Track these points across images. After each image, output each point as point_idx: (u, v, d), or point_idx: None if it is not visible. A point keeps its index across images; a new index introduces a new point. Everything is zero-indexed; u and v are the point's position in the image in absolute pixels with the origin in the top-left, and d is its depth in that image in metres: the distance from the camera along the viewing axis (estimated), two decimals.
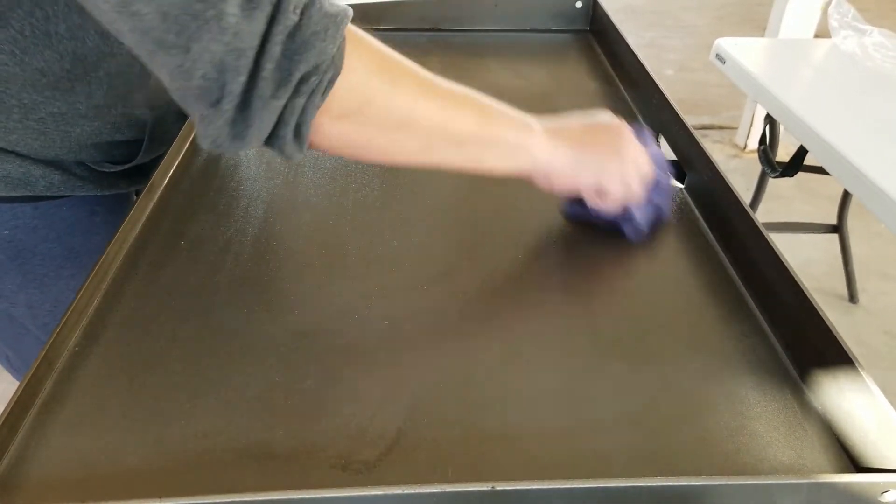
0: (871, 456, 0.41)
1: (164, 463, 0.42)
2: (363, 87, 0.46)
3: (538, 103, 0.88)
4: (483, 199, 0.68)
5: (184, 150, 0.73)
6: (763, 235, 0.54)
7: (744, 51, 1.47)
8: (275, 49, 0.40)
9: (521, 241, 0.62)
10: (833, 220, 1.82)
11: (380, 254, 0.60)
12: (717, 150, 2.60)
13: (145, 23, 0.37)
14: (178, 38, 0.38)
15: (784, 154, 1.66)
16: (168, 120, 0.72)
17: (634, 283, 0.58)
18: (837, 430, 0.44)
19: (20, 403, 0.44)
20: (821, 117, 1.19)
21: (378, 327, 0.52)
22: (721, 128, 2.76)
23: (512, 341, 0.51)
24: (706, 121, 2.80)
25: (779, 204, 2.21)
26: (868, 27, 1.46)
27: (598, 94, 0.90)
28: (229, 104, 0.41)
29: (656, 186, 0.61)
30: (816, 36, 2.24)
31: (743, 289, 0.56)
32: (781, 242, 0.54)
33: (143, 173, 0.73)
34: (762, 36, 2.47)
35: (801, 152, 1.50)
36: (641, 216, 0.60)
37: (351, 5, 1.11)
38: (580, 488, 0.37)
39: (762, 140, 1.65)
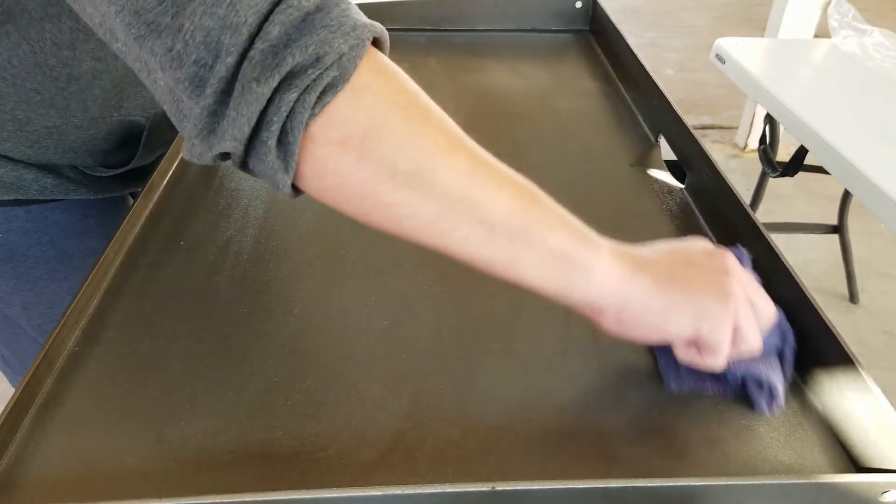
0: (871, 456, 0.41)
1: (164, 463, 0.42)
2: (373, 113, 0.37)
3: (538, 103, 0.88)
4: None
5: None
6: (763, 235, 0.54)
7: (744, 51, 1.47)
8: (273, 29, 0.34)
9: None
10: (833, 220, 1.82)
11: (380, 254, 0.60)
12: (717, 150, 2.60)
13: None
14: (169, 14, 0.34)
15: (784, 154, 1.66)
16: (163, 125, 0.72)
17: None
18: (837, 430, 0.44)
19: (20, 403, 0.44)
20: (821, 117, 1.19)
21: (378, 327, 0.52)
22: (721, 128, 2.76)
23: (512, 341, 0.51)
24: (706, 121, 2.80)
25: (779, 204, 2.21)
26: (868, 27, 1.46)
27: (597, 94, 0.90)
28: (211, 88, 0.35)
29: (777, 333, 0.47)
30: (816, 36, 2.24)
31: None
32: (781, 242, 0.54)
33: (137, 176, 0.73)
34: (762, 36, 2.47)
35: (802, 152, 1.50)
36: (769, 374, 0.45)
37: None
38: (580, 489, 0.37)
39: (762, 140, 1.65)
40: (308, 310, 0.54)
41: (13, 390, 0.44)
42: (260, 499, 0.36)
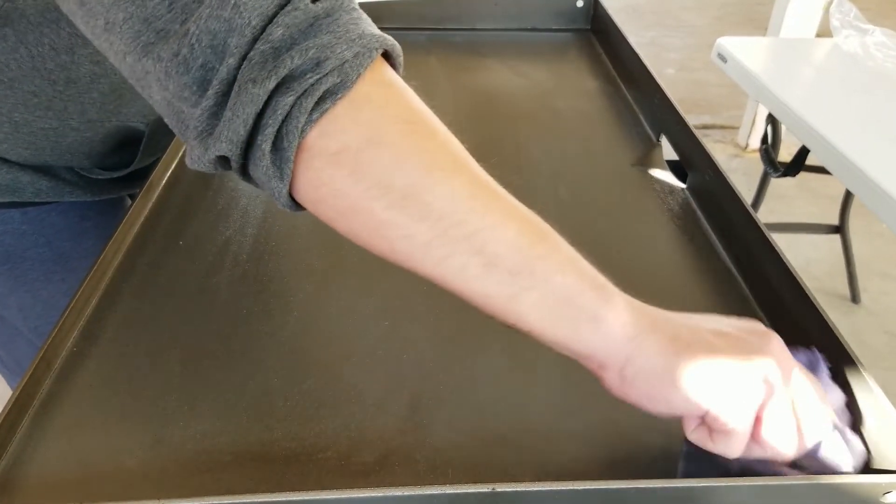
0: (873, 456, 0.41)
1: (162, 463, 0.41)
2: (372, 125, 0.35)
3: (539, 103, 0.88)
4: None
5: (182, 150, 0.73)
6: (765, 235, 0.54)
7: (745, 50, 1.47)
8: (275, 31, 0.33)
9: None
10: (835, 220, 1.82)
11: None
12: (718, 150, 2.60)
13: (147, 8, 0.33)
14: (178, 20, 0.33)
15: (786, 154, 1.66)
16: (163, 130, 0.72)
17: (636, 284, 0.57)
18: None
19: (18, 404, 0.44)
20: (822, 117, 1.19)
21: (378, 327, 0.52)
22: (722, 127, 2.76)
23: (512, 341, 0.51)
24: (707, 120, 2.80)
25: (780, 204, 2.21)
26: (870, 26, 1.45)
27: (599, 93, 0.90)
28: (212, 90, 0.34)
29: (831, 445, 0.38)
30: (818, 35, 2.23)
31: (745, 289, 0.56)
32: (783, 242, 0.54)
33: (135, 178, 0.73)
34: (763, 35, 2.47)
35: (803, 152, 1.50)
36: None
37: None
38: (581, 490, 0.36)
39: (764, 140, 1.65)
40: (308, 310, 0.54)
41: (10, 391, 0.44)
42: (259, 500, 0.36)
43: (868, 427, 0.42)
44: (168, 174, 0.69)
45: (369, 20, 0.37)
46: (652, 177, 0.72)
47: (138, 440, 0.43)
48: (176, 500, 0.37)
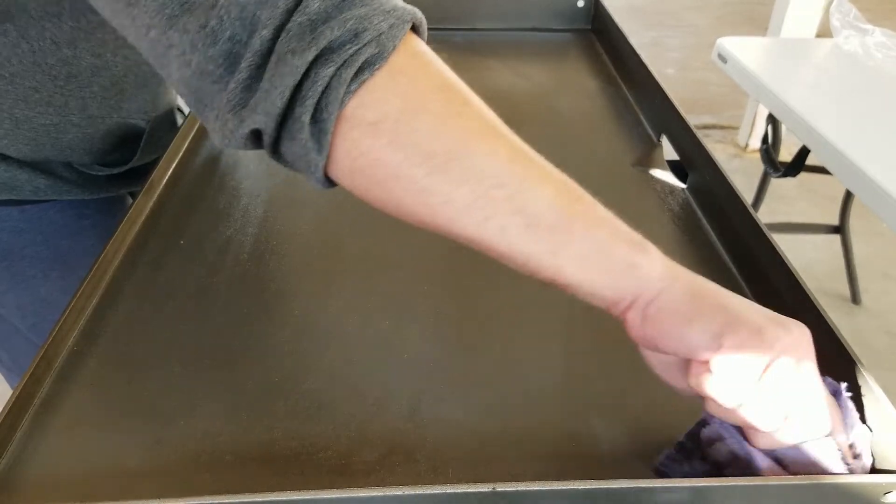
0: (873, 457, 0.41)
1: (163, 463, 0.41)
2: (410, 95, 0.36)
3: (539, 103, 0.88)
4: None
5: (183, 150, 0.73)
6: (765, 236, 0.54)
7: (745, 50, 1.47)
8: (312, 4, 0.33)
9: None
10: (835, 221, 1.81)
11: (380, 254, 0.60)
12: (718, 150, 2.59)
13: None
14: None
15: (786, 154, 1.66)
16: (163, 127, 0.72)
17: None
18: None
19: (19, 403, 0.44)
20: (823, 117, 1.19)
21: (378, 327, 0.52)
22: (723, 127, 2.76)
23: (512, 341, 0.51)
24: (708, 120, 2.80)
25: (781, 204, 2.20)
26: (870, 27, 1.45)
27: (599, 93, 0.90)
28: (245, 62, 0.34)
29: (821, 452, 0.38)
30: (818, 36, 2.23)
31: (745, 289, 0.56)
32: (783, 243, 0.54)
33: (134, 176, 0.73)
34: (764, 35, 2.46)
35: (804, 152, 1.50)
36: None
37: None
38: (581, 489, 0.36)
39: (764, 140, 1.65)
40: (308, 310, 0.54)
41: (9, 390, 0.44)
42: (259, 499, 0.36)
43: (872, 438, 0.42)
44: (169, 173, 0.69)
45: None
46: (652, 177, 0.72)
47: (139, 439, 0.43)
48: (176, 500, 0.37)
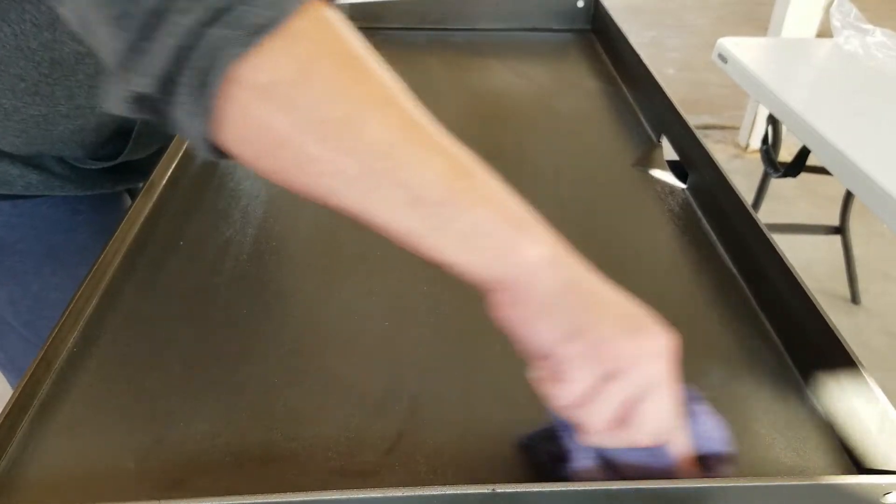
0: (874, 457, 0.41)
1: (162, 464, 0.41)
2: (306, 60, 0.34)
3: (539, 103, 0.88)
4: None
5: (182, 150, 0.73)
6: (765, 236, 0.54)
7: (746, 50, 1.47)
8: None
9: None
10: (835, 221, 1.81)
11: (380, 254, 0.60)
12: (718, 150, 2.59)
13: None
14: None
15: (786, 154, 1.65)
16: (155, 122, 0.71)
17: (636, 284, 0.57)
18: (839, 431, 0.44)
19: (18, 404, 0.44)
20: (823, 117, 1.19)
21: (378, 327, 0.52)
22: (723, 127, 2.76)
23: (512, 341, 0.51)
24: (708, 120, 2.80)
25: (781, 204, 2.20)
26: (870, 27, 1.45)
27: (599, 93, 0.89)
28: (135, 21, 0.32)
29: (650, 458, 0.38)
30: (818, 35, 2.23)
31: (745, 289, 0.56)
32: (783, 243, 0.54)
33: (126, 172, 0.72)
34: (764, 35, 2.46)
35: (804, 152, 1.50)
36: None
37: (352, 5, 1.10)
38: (581, 491, 0.36)
39: (764, 140, 1.65)
40: (308, 310, 0.54)
41: (9, 389, 0.44)
42: (259, 500, 0.36)
43: (869, 429, 0.42)
44: (168, 174, 0.69)
45: None
46: (652, 177, 0.72)
47: (138, 440, 0.43)
48: (176, 501, 0.37)
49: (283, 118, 0.34)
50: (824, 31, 1.75)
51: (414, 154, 0.35)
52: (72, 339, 0.50)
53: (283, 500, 0.36)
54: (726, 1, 4.15)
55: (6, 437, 0.42)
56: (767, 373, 0.48)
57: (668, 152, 0.75)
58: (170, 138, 0.73)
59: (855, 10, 1.46)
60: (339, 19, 0.36)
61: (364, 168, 0.35)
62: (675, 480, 0.37)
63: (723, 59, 1.49)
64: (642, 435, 0.37)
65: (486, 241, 0.36)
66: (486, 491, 0.36)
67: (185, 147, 0.74)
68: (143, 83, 0.33)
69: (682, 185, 0.70)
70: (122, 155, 0.70)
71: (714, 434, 0.40)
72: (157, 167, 0.68)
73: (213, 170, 0.71)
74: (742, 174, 2.42)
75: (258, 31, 0.32)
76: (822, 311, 0.47)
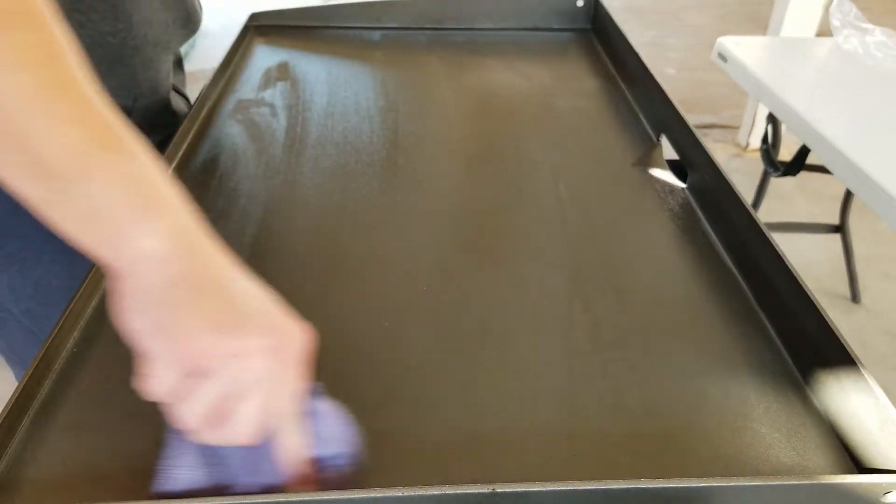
0: (874, 457, 0.41)
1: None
2: None
3: (539, 102, 0.88)
4: (484, 198, 0.68)
5: (182, 150, 0.73)
6: (765, 235, 0.54)
7: (745, 50, 1.47)
8: None
9: (521, 241, 0.62)
10: (835, 220, 1.81)
11: (380, 254, 0.60)
12: (718, 150, 2.59)
13: None
14: None
15: (786, 153, 1.65)
16: (153, 109, 0.71)
17: (635, 283, 0.57)
18: (839, 430, 0.44)
19: (18, 405, 0.44)
20: (822, 116, 1.19)
21: (378, 327, 0.52)
22: (723, 127, 2.75)
23: (512, 341, 0.51)
24: (708, 120, 2.80)
25: (781, 203, 2.20)
26: (870, 26, 1.45)
27: (599, 93, 0.89)
28: None
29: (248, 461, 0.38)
30: (818, 35, 2.23)
31: (745, 289, 0.56)
32: (783, 242, 0.54)
33: None
34: (764, 35, 2.46)
35: (804, 151, 1.50)
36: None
37: (352, 4, 1.10)
38: (581, 490, 0.36)
39: (764, 139, 1.65)
40: (308, 310, 0.54)
41: (10, 390, 0.43)
42: (259, 500, 0.36)
43: (869, 428, 0.42)
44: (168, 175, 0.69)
45: None
46: (652, 176, 0.72)
47: (138, 440, 0.43)
48: (176, 500, 0.37)
49: None
50: (824, 31, 1.75)
51: (44, 119, 0.33)
52: (72, 340, 0.50)
53: (283, 499, 0.36)
54: (726, 1, 4.15)
55: (6, 437, 0.42)
56: (767, 372, 0.48)
57: (668, 152, 0.75)
58: (170, 130, 0.73)
59: (855, 10, 1.46)
60: None
61: None
62: (675, 480, 0.37)
63: (723, 58, 1.49)
64: (239, 434, 0.37)
65: (103, 225, 0.35)
66: (485, 490, 0.36)
67: (184, 147, 0.74)
68: None
69: (682, 185, 0.70)
70: None
71: (335, 434, 0.40)
72: None
73: (212, 170, 0.71)
74: (742, 173, 2.42)
75: None
76: (821, 310, 0.47)
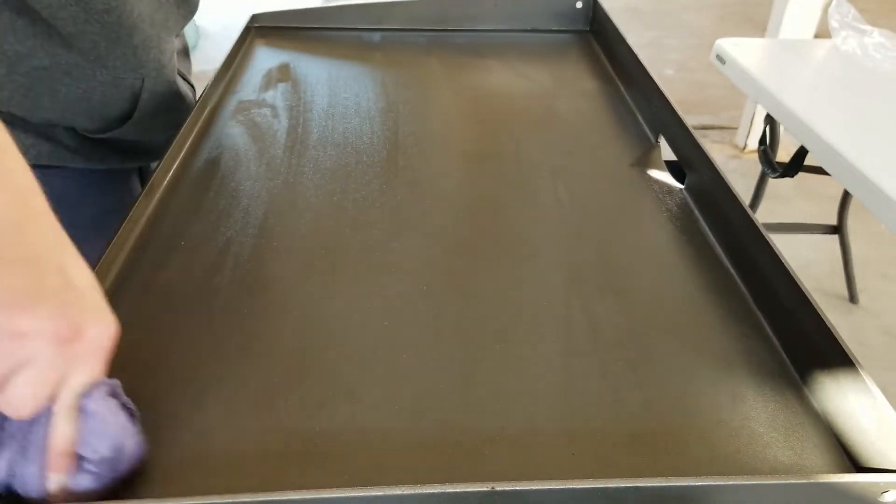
0: (871, 456, 0.41)
1: (163, 463, 0.42)
2: None
3: (538, 103, 0.88)
4: (483, 198, 0.68)
5: (184, 150, 0.73)
6: (763, 236, 0.54)
7: (744, 51, 1.48)
8: None
9: (520, 241, 0.62)
10: (833, 221, 1.82)
11: (380, 254, 0.60)
12: (716, 151, 2.60)
13: None
14: None
15: (784, 154, 1.66)
16: (160, 91, 0.72)
17: (634, 284, 0.58)
18: (837, 430, 0.44)
19: None
20: (821, 118, 1.19)
21: (378, 327, 0.52)
22: (721, 128, 2.76)
23: (512, 341, 0.51)
24: (706, 121, 2.80)
25: (779, 204, 2.21)
26: (868, 27, 1.46)
27: (598, 94, 0.90)
28: None
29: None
30: (816, 36, 2.24)
31: (743, 289, 0.56)
32: (781, 243, 0.54)
33: (136, 150, 0.73)
34: (763, 36, 2.47)
35: (802, 152, 1.50)
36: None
37: (352, 5, 1.10)
38: (580, 489, 0.37)
39: (762, 140, 1.65)
40: (308, 310, 0.54)
41: None
42: (259, 499, 0.36)
43: (866, 427, 0.42)
44: (170, 175, 0.69)
45: None
46: (650, 177, 0.72)
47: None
48: (176, 500, 0.37)
49: None
50: (822, 32, 1.76)
51: None
52: None
53: (283, 498, 0.36)
54: (725, 2, 4.16)
55: None
56: (765, 372, 0.49)
57: (667, 152, 0.75)
58: (178, 121, 0.74)
59: (853, 11, 1.47)
60: None
61: None
62: (674, 479, 0.37)
63: (721, 60, 1.50)
64: (9, 406, 0.36)
65: None
66: (485, 489, 0.36)
67: (186, 147, 0.74)
68: None
69: (680, 186, 0.70)
70: (120, 129, 0.70)
71: (107, 438, 0.39)
72: (159, 168, 0.68)
73: (214, 171, 0.71)
74: (740, 174, 2.42)
75: None
76: (819, 311, 0.47)
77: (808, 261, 1.99)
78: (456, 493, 0.36)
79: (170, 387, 0.47)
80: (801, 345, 0.49)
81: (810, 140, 1.18)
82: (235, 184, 0.69)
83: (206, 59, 1.01)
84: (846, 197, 1.76)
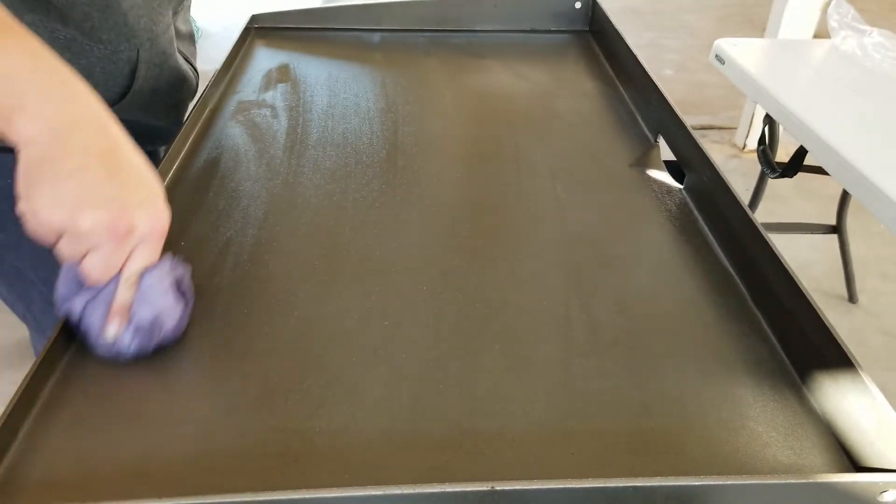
0: (870, 456, 0.41)
1: (163, 463, 0.42)
2: None
3: (538, 104, 0.88)
4: (483, 198, 0.68)
5: (184, 151, 0.74)
6: (762, 236, 0.54)
7: (743, 51, 1.48)
8: None
9: (521, 241, 0.62)
10: (832, 221, 1.82)
11: (380, 253, 0.60)
12: (716, 151, 2.60)
13: None
14: None
15: (783, 154, 1.66)
16: (156, 60, 0.72)
17: (633, 284, 0.58)
18: (836, 430, 0.44)
19: (20, 404, 0.44)
20: (820, 118, 1.19)
21: (378, 327, 0.52)
22: (720, 128, 2.76)
23: (512, 341, 0.51)
24: (705, 121, 2.80)
25: (778, 204, 2.21)
26: (867, 27, 1.46)
27: (597, 94, 0.90)
28: None
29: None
30: (816, 36, 2.24)
31: (742, 289, 0.56)
32: (780, 243, 0.54)
33: (137, 133, 0.73)
34: (762, 37, 2.47)
35: (801, 153, 1.50)
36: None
37: (352, 6, 1.10)
38: (579, 488, 0.37)
39: (761, 140, 1.65)
40: (308, 310, 0.54)
41: (16, 387, 0.44)
42: (259, 499, 0.36)
43: (866, 427, 0.42)
44: (170, 175, 0.69)
45: None
46: (650, 177, 0.72)
47: (139, 439, 0.43)
48: (176, 500, 0.37)
49: None
50: (822, 32, 1.76)
51: None
52: (74, 340, 0.50)
53: (283, 497, 0.36)
54: (725, 2, 4.16)
55: (8, 436, 0.42)
56: (764, 372, 0.49)
57: (666, 153, 0.75)
58: (179, 102, 0.73)
59: (852, 11, 1.47)
60: None
61: None
62: (673, 479, 0.37)
63: (720, 60, 1.50)
64: (89, 274, 0.46)
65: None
66: (485, 488, 0.36)
67: (186, 148, 0.74)
68: None
69: (680, 186, 0.70)
70: (121, 103, 0.70)
71: (157, 306, 0.48)
72: (159, 168, 0.68)
73: (213, 171, 0.71)
74: (739, 174, 2.42)
75: None
76: (819, 311, 0.47)
77: (807, 261, 1.99)
78: (456, 492, 0.36)
79: (170, 387, 0.47)
80: (800, 344, 0.49)
81: (809, 140, 1.18)
82: (235, 184, 0.69)
83: (207, 60, 1.01)
84: (845, 197, 1.77)
